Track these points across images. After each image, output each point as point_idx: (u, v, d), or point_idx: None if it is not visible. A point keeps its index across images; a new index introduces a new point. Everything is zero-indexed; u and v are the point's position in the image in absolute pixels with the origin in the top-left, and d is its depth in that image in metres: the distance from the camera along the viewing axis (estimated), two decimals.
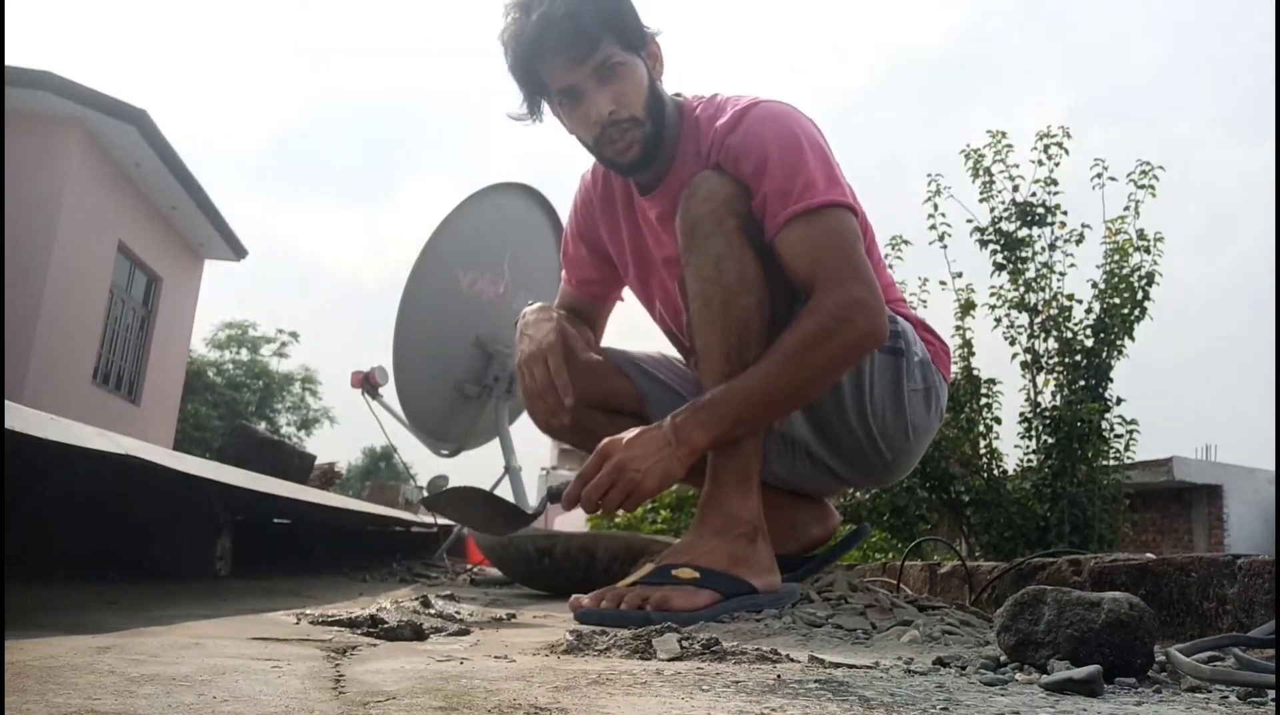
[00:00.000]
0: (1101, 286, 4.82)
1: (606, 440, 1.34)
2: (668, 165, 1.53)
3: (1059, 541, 4.30)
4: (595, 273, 1.75)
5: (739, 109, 1.45)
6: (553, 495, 1.40)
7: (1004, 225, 4.96)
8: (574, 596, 1.39)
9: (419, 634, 1.13)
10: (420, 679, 0.76)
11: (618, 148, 1.48)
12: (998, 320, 4.94)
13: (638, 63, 1.46)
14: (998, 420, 4.87)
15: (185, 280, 13.10)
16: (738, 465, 1.39)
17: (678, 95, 1.57)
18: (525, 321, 1.60)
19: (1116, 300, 4.73)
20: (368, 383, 3.81)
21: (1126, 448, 4.81)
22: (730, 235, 1.39)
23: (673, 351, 1.77)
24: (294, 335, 24.98)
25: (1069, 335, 4.77)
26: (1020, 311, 4.89)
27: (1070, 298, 4.82)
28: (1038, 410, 4.82)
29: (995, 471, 4.82)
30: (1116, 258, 4.83)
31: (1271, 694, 0.77)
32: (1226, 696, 0.78)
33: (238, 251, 13.60)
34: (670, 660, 0.94)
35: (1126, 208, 4.90)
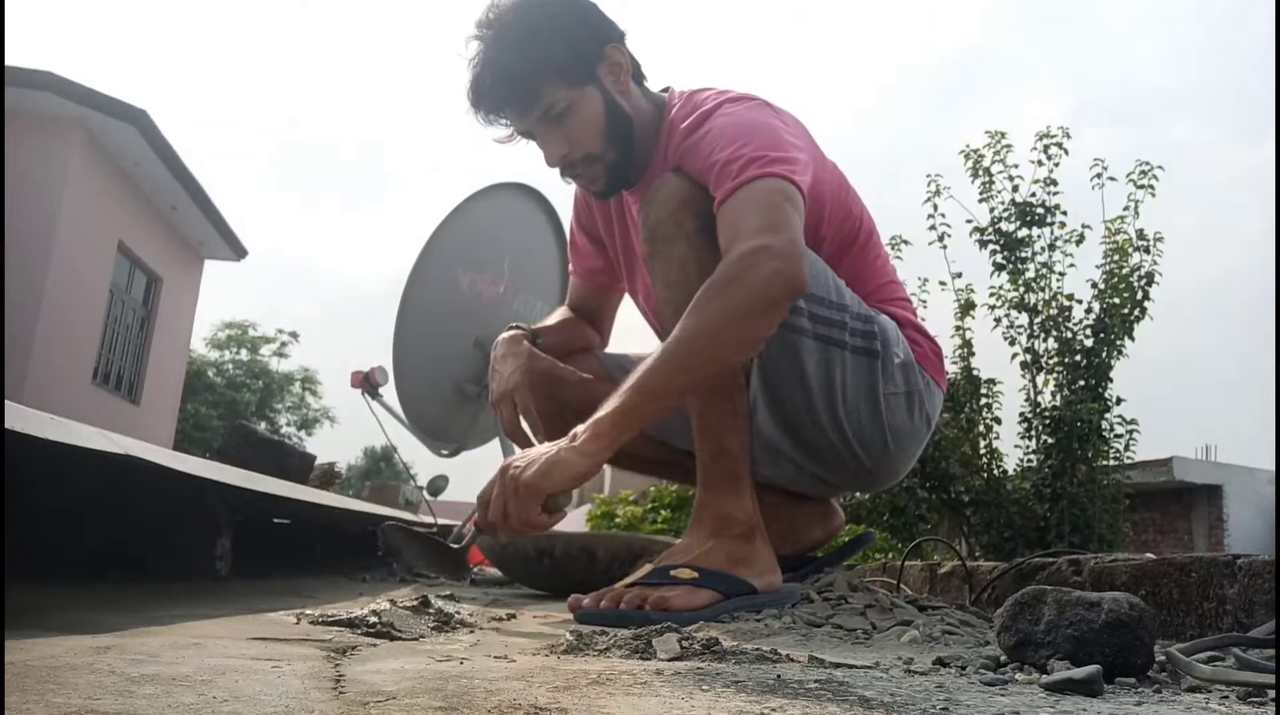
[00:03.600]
0: (1101, 286, 4.82)
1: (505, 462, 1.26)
2: (649, 163, 1.52)
3: (1059, 541, 4.30)
4: (600, 262, 1.75)
5: (704, 111, 1.44)
6: (464, 538, 1.30)
7: (1004, 225, 4.96)
8: (573, 596, 1.39)
9: (418, 634, 1.13)
10: (420, 679, 0.76)
11: (582, 182, 1.50)
12: (998, 320, 4.94)
13: (589, 94, 1.43)
14: (998, 420, 4.87)
15: (185, 280, 13.10)
16: (726, 467, 1.38)
17: (665, 90, 1.56)
18: (495, 355, 1.60)
19: (1116, 300, 4.72)
20: (368, 383, 3.81)
21: (1126, 448, 4.81)
22: (692, 236, 1.37)
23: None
24: (294, 335, 24.98)
25: (1069, 335, 4.77)
26: (1020, 311, 4.89)
27: (1070, 298, 4.82)
28: (1038, 410, 4.82)
29: (995, 471, 4.81)
30: (1116, 258, 4.83)
31: (1271, 694, 0.77)
32: (1226, 697, 0.78)
33: (238, 251, 13.60)
34: (670, 660, 0.94)
35: (1126, 208, 4.90)
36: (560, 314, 1.82)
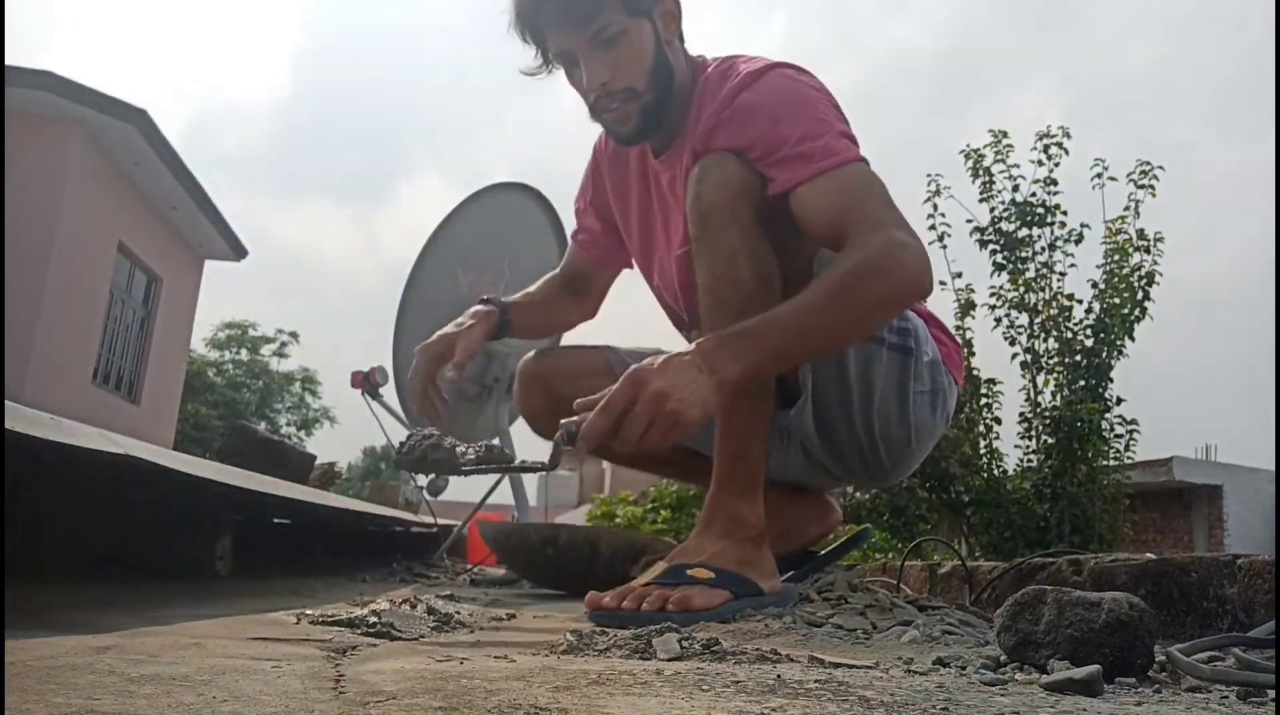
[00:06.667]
0: (1101, 286, 4.82)
1: (634, 368, 1.14)
2: (679, 128, 1.46)
3: (1059, 541, 4.29)
4: (604, 237, 1.72)
5: (754, 70, 1.38)
6: (569, 436, 1.14)
7: (1004, 225, 4.96)
8: (591, 594, 1.35)
9: (418, 634, 1.13)
10: (420, 679, 0.76)
11: (615, 118, 1.42)
12: (998, 320, 4.94)
13: (643, 26, 1.38)
14: (998, 420, 4.86)
15: (185, 280, 13.10)
16: (745, 470, 1.37)
17: (700, 57, 1.50)
18: (456, 320, 1.60)
19: (1116, 300, 4.72)
20: (368, 383, 3.81)
21: (1126, 448, 4.80)
22: (746, 227, 1.32)
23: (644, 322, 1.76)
24: (294, 335, 25.01)
25: (1069, 335, 4.77)
26: (1020, 311, 4.89)
27: (1070, 298, 4.82)
28: (1038, 410, 4.82)
29: (995, 471, 4.81)
30: (1116, 258, 4.83)
31: (1271, 694, 0.77)
32: (1226, 697, 0.78)
33: (238, 251, 13.60)
34: (670, 660, 0.94)
35: (1126, 208, 4.90)
36: (547, 285, 1.79)
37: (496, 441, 1.32)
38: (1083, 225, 4.91)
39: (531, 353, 1.72)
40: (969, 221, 5.06)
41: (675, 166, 1.48)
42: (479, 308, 1.62)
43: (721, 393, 1.14)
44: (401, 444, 1.32)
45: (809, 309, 1.19)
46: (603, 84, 1.38)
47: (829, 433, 1.51)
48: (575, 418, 1.14)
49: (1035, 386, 4.85)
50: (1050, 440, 4.69)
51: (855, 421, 1.48)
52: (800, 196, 1.29)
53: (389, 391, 3.81)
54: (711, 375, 1.13)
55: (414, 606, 1.35)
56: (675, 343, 1.71)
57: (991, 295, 4.97)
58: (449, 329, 1.57)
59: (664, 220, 1.55)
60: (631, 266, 1.75)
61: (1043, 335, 4.83)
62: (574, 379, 1.54)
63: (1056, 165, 4.94)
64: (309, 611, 1.29)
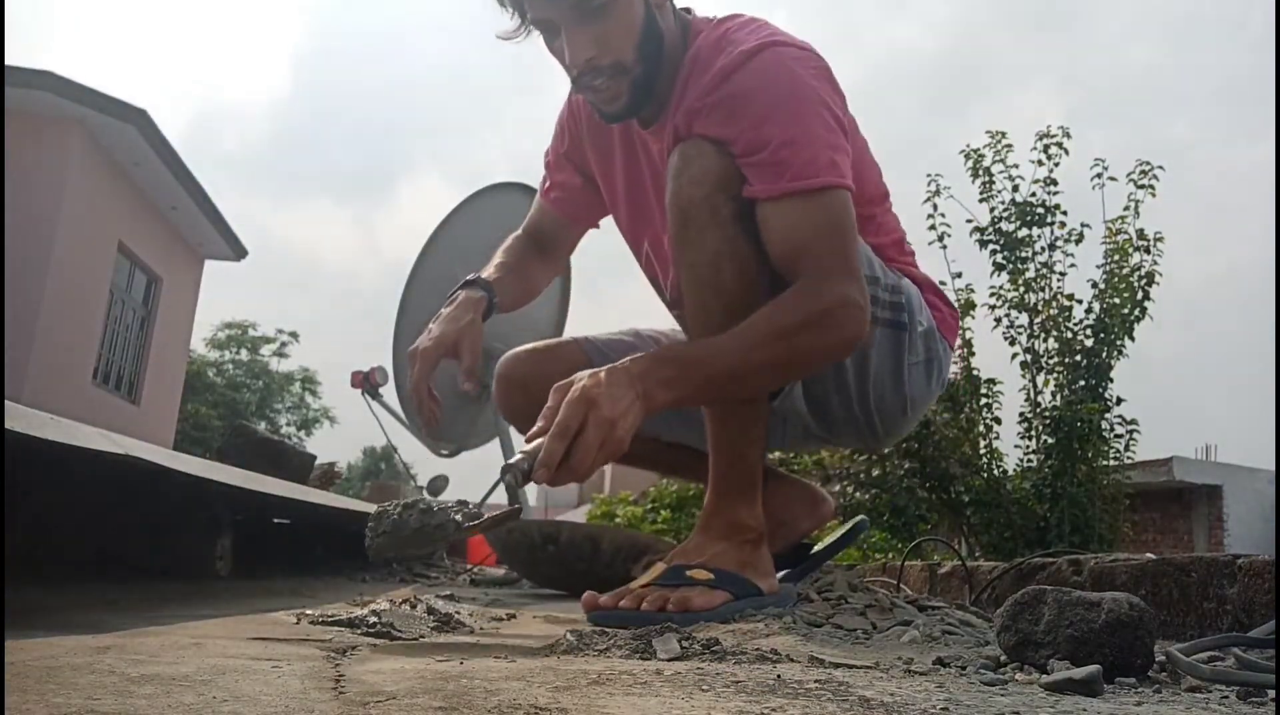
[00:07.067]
0: (1101, 286, 4.83)
1: (580, 385, 1.11)
2: (667, 97, 1.39)
3: (1059, 541, 4.30)
4: (580, 194, 1.64)
5: (747, 49, 1.29)
6: (523, 476, 1.10)
7: (1004, 225, 4.96)
8: (588, 594, 1.34)
9: (418, 634, 1.13)
10: (420, 679, 0.76)
11: (601, 96, 1.33)
12: (998, 320, 4.94)
13: None
14: (998, 420, 4.87)
15: (185, 280, 13.10)
16: (742, 474, 1.36)
17: (687, 12, 1.41)
18: (444, 311, 1.51)
19: (1116, 300, 4.73)
20: (368, 383, 3.82)
21: (1126, 448, 4.81)
22: (726, 226, 1.27)
23: (646, 323, 1.71)
24: (294, 335, 25.03)
25: (1069, 335, 4.77)
26: (1020, 311, 4.89)
27: (1070, 298, 4.83)
28: (1038, 410, 4.82)
29: (995, 471, 4.81)
30: (1116, 258, 4.84)
31: (1271, 694, 0.77)
32: (1226, 696, 0.78)
33: (238, 251, 13.61)
34: (670, 660, 0.94)
35: (1126, 208, 4.91)
36: (514, 248, 1.69)
37: (467, 500, 1.25)
38: (1083, 225, 4.92)
39: (509, 354, 1.65)
40: (969, 221, 5.07)
41: (663, 137, 1.41)
42: (467, 294, 1.53)
43: (648, 415, 1.14)
44: (376, 525, 1.16)
45: (743, 350, 1.19)
46: (587, 59, 1.28)
47: (823, 411, 1.49)
48: (519, 457, 1.11)
49: (1035, 386, 4.85)
50: (1050, 440, 4.69)
51: (851, 397, 1.46)
52: (765, 211, 1.25)
53: (389, 391, 3.81)
54: (641, 399, 1.12)
55: (414, 606, 1.35)
56: (659, 326, 1.71)
57: (991, 295, 4.98)
58: (445, 326, 1.48)
59: (657, 190, 1.47)
60: (599, 226, 1.70)
61: (1043, 335, 4.83)
62: (554, 379, 1.53)
63: (1056, 165, 4.94)
64: (309, 611, 1.29)
